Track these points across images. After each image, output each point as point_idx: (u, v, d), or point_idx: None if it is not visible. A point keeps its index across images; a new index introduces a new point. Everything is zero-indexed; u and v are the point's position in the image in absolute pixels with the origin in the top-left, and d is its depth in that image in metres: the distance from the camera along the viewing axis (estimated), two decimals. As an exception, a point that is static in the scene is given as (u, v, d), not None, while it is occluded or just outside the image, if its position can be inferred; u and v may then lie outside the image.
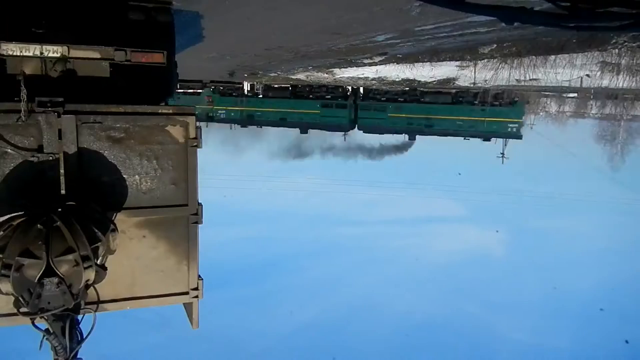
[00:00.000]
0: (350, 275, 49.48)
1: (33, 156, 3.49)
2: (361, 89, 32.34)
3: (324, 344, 40.94)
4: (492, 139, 33.70)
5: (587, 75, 22.60)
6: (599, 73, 21.88)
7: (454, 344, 40.89)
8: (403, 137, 37.11)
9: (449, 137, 33.88)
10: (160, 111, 3.85)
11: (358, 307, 45.17)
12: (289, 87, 33.38)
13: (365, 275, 48.21)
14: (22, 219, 3.12)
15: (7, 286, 2.98)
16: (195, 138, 3.91)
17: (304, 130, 36.76)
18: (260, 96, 34.62)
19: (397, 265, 49.95)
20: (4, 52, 3.80)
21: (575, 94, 27.54)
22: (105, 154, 3.72)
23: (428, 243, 56.16)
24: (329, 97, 32.84)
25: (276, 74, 24.75)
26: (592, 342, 39.34)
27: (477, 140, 38.30)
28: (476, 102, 29.67)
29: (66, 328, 3.18)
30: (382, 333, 42.64)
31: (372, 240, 54.34)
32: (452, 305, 44.49)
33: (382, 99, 31.92)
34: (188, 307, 4.26)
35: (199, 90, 32.94)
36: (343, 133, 38.55)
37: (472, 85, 26.68)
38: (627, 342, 36.17)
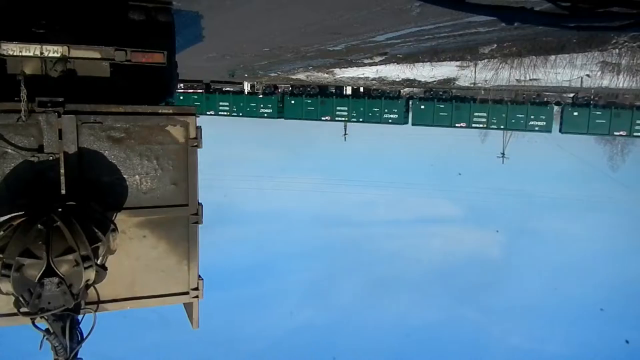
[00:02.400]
0: (349, 276, 49.51)
1: (33, 156, 3.49)
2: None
3: (324, 344, 40.99)
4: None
5: (587, 75, 22.62)
6: (599, 73, 21.92)
7: (452, 346, 40.90)
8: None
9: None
10: (160, 111, 3.85)
11: (358, 307, 45.25)
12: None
13: (364, 276, 48.24)
14: (22, 219, 3.12)
15: (7, 286, 2.99)
16: (196, 138, 3.90)
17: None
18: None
19: (397, 266, 49.97)
20: (4, 52, 3.80)
21: (576, 94, 27.51)
22: (105, 154, 3.72)
23: (427, 244, 56.16)
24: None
25: (276, 74, 24.78)
26: (592, 342, 39.40)
27: (478, 140, 38.32)
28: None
29: (66, 328, 3.17)
30: (382, 333, 42.68)
31: (371, 241, 54.34)
32: (450, 308, 44.51)
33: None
34: (188, 307, 4.25)
35: (199, 90, 32.87)
36: (344, 133, 38.36)
37: (472, 85, 26.68)
38: (627, 342, 36.22)
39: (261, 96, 31.97)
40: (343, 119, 31.28)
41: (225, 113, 32.10)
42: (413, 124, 30.20)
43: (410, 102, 30.21)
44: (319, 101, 30.87)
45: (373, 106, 30.06)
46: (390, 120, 30.05)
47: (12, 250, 2.96)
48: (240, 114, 31.96)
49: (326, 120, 31.31)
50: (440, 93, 29.35)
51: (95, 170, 3.70)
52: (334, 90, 31.45)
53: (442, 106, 29.00)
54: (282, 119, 32.15)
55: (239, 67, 19.96)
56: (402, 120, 30.01)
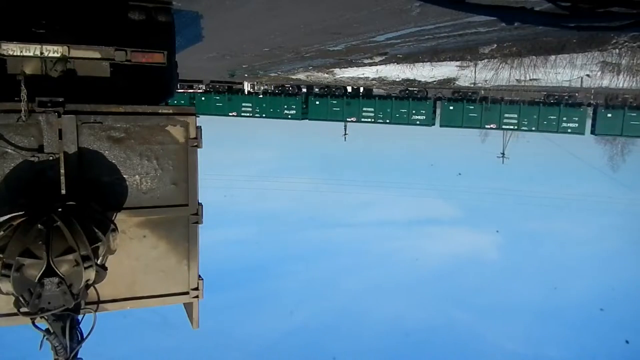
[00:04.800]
0: (349, 277, 49.50)
1: (33, 156, 3.49)
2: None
3: (324, 344, 40.99)
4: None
5: (588, 75, 22.62)
6: (599, 73, 21.92)
7: (451, 347, 40.85)
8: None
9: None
10: (160, 111, 3.85)
11: (358, 307, 45.20)
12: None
13: (364, 277, 48.22)
14: (22, 219, 3.11)
15: (7, 286, 2.98)
16: (196, 138, 3.90)
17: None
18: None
19: (395, 268, 49.95)
20: (5, 52, 3.80)
21: (576, 94, 27.47)
22: (105, 154, 3.72)
23: (426, 245, 56.18)
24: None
25: (276, 74, 24.78)
26: (592, 342, 39.38)
27: (478, 140, 38.28)
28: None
29: (66, 328, 3.17)
30: (381, 333, 42.67)
31: (370, 242, 54.35)
32: (450, 308, 44.46)
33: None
34: (188, 307, 4.25)
35: (199, 91, 32.83)
36: (344, 133, 38.26)
37: (472, 85, 26.66)
38: (627, 342, 36.19)
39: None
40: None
41: (370, 120, 30.28)
42: (441, 125, 29.16)
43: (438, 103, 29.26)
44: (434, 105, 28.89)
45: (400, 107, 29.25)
46: (418, 122, 29.16)
47: (12, 250, 2.96)
48: (388, 121, 29.94)
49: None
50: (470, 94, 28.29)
51: (95, 170, 3.69)
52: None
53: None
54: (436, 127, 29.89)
55: (239, 67, 19.97)
56: (430, 122, 29.12)
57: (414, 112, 28.95)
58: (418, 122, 29.42)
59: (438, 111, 29.03)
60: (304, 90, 32.19)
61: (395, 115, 29.41)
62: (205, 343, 36.44)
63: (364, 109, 30.00)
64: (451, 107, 28.19)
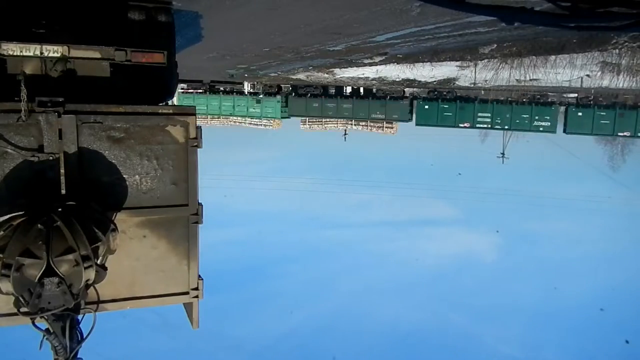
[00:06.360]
0: (348, 277, 49.50)
1: (33, 156, 3.49)
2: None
3: (324, 344, 40.98)
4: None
5: (588, 75, 22.59)
6: (599, 73, 21.88)
7: (449, 347, 40.82)
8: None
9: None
10: (160, 111, 3.85)
11: (356, 308, 45.19)
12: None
13: (364, 278, 48.20)
14: (22, 219, 3.12)
15: (7, 286, 2.98)
16: (196, 138, 3.90)
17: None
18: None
19: (395, 269, 49.92)
20: (4, 52, 3.80)
21: (576, 94, 27.37)
22: (105, 154, 3.72)
23: (426, 246, 56.16)
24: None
25: (276, 74, 24.77)
26: (592, 343, 39.37)
27: (478, 140, 38.19)
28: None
29: (66, 328, 3.18)
30: (382, 333, 42.66)
31: (370, 243, 54.34)
32: (447, 312, 44.44)
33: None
34: (188, 307, 4.25)
35: (199, 90, 32.69)
36: (344, 133, 38.19)
37: (472, 85, 26.60)
38: (627, 342, 36.18)
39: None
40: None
41: (486, 126, 27.82)
42: (567, 132, 26.96)
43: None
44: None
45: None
46: (541, 129, 26.62)
47: (12, 250, 2.96)
48: (506, 127, 27.75)
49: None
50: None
51: (95, 170, 3.69)
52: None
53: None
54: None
55: (239, 67, 19.97)
56: (554, 129, 26.67)
57: (536, 117, 26.36)
58: (541, 129, 26.67)
59: (560, 117, 26.85)
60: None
61: (515, 121, 26.80)
62: (205, 343, 36.45)
63: (479, 114, 27.14)
64: (579, 113, 25.76)
